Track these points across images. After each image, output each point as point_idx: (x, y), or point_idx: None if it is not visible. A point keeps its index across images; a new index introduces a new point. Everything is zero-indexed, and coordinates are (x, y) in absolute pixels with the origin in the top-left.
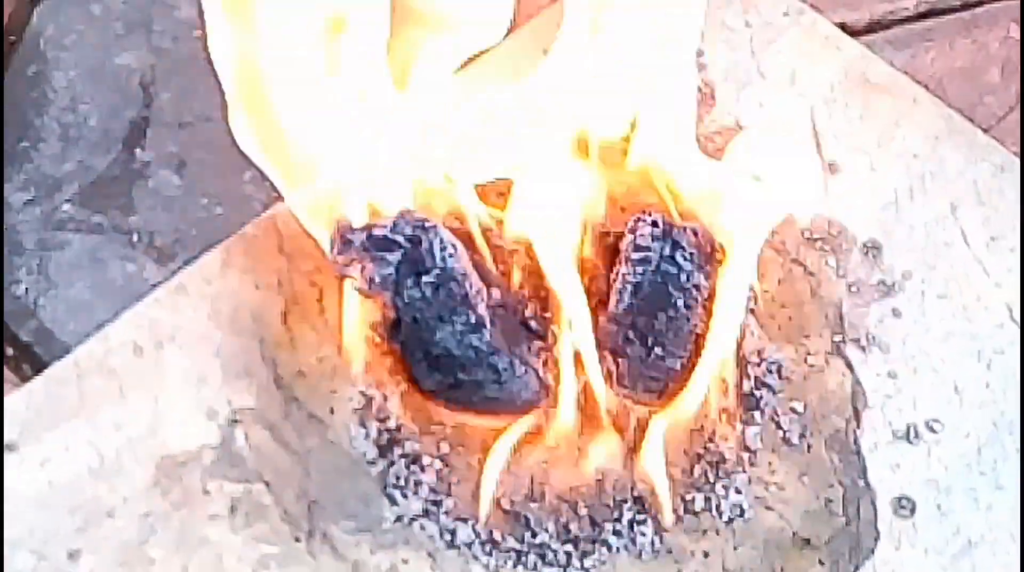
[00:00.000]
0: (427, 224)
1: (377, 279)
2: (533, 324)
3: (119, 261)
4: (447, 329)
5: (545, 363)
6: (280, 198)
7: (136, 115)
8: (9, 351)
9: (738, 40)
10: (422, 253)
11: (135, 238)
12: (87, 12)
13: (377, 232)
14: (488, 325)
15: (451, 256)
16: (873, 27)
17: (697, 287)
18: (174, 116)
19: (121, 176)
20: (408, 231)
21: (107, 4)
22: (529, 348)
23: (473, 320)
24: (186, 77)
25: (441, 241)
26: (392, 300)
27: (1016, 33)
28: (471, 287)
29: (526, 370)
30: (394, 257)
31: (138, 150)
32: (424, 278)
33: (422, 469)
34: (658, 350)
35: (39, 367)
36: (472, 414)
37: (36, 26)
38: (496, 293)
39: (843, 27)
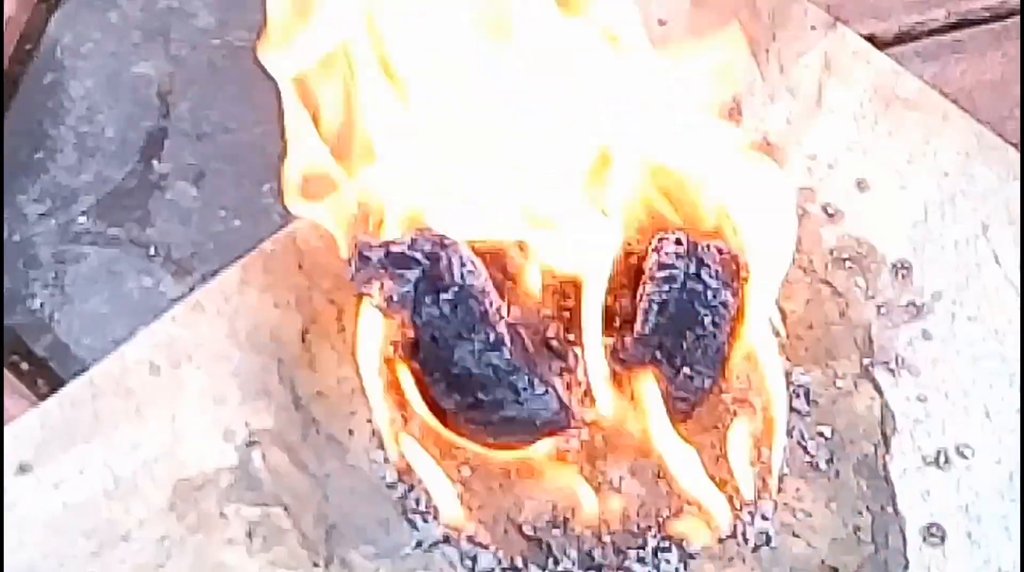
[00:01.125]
0: (446, 241)
1: (395, 297)
2: (554, 344)
3: (136, 275)
4: (466, 347)
5: (568, 385)
6: None
7: (154, 125)
8: (24, 366)
9: (765, 54)
10: (441, 270)
11: (152, 251)
12: (104, 20)
13: (395, 249)
14: (508, 343)
15: (470, 273)
16: (902, 38)
17: (724, 305)
18: (192, 126)
19: (138, 188)
20: (427, 248)
21: (125, 12)
22: (550, 368)
23: (492, 338)
24: (205, 86)
25: (460, 258)
26: (410, 318)
27: None
28: (491, 305)
29: (546, 390)
30: (413, 274)
31: (155, 161)
32: (442, 295)
33: None
34: (686, 369)
35: (54, 383)
36: (491, 438)
37: (52, 34)
38: (516, 311)
39: (871, 39)
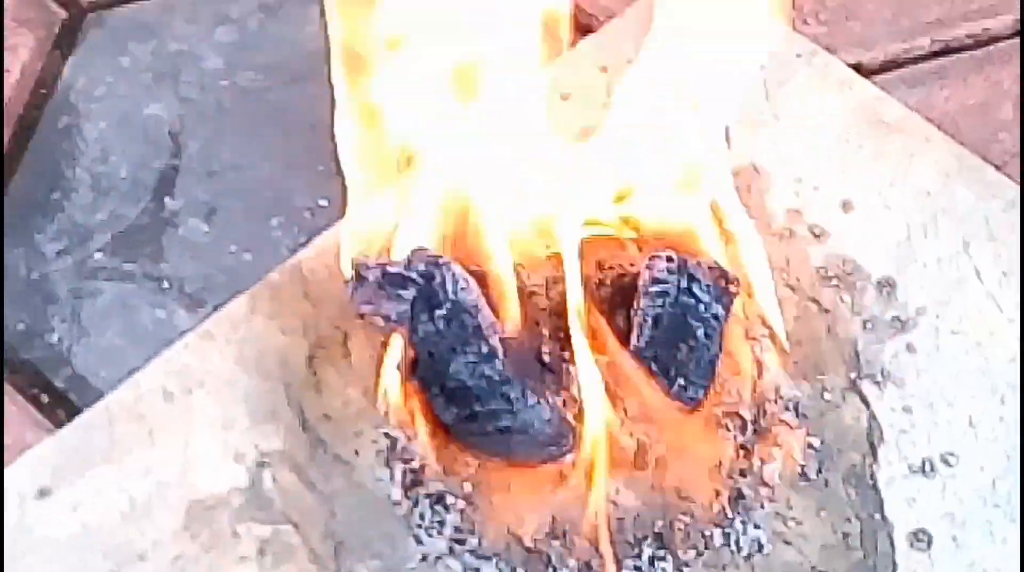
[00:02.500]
0: (440, 261)
1: (393, 316)
2: (547, 359)
3: (150, 308)
4: (460, 360)
5: (564, 402)
6: (305, 243)
7: (165, 164)
8: (44, 398)
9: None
10: (435, 288)
11: (165, 285)
12: (116, 64)
13: (392, 269)
14: (500, 355)
15: (463, 290)
16: (888, 66)
17: (716, 317)
18: (202, 165)
19: (151, 225)
20: (421, 268)
21: (136, 56)
22: (543, 381)
23: (485, 350)
24: (214, 126)
25: (454, 276)
26: (408, 336)
27: None
28: (484, 319)
29: (538, 400)
30: (409, 294)
31: (167, 199)
32: (437, 312)
33: (446, 509)
34: (681, 381)
35: (73, 414)
36: (490, 451)
37: (67, 79)
38: (511, 328)
39: (858, 67)
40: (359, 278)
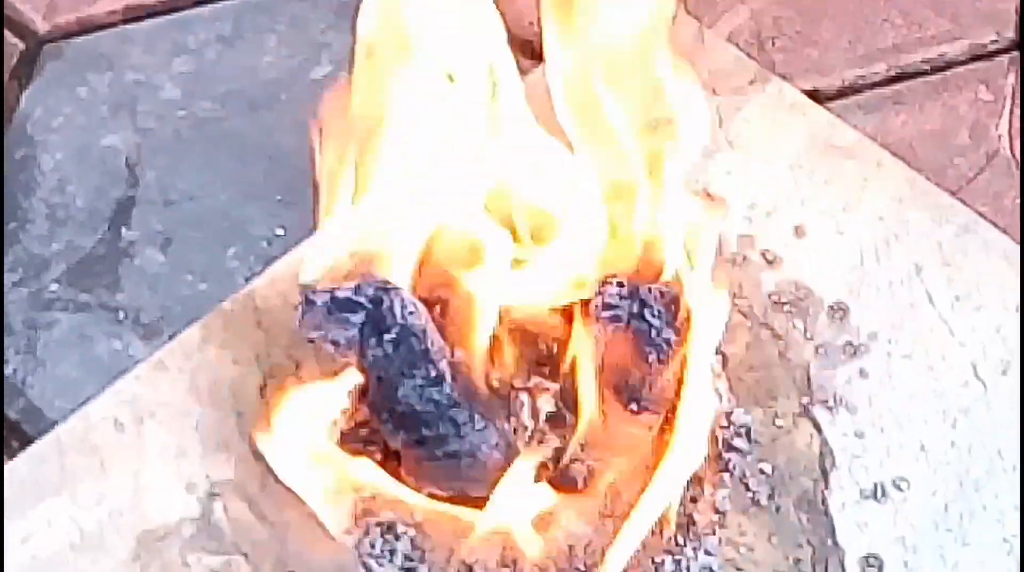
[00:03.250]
0: (389, 286)
1: (342, 341)
2: (496, 384)
3: (106, 338)
4: (409, 384)
5: (515, 430)
6: (258, 273)
7: (122, 194)
8: None
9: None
10: (383, 313)
11: (121, 316)
12: (74, 95)
13: (340, 294)
14: (448, 379)
15: (411, 314)
16: (844, 92)
17: (668, 342)
18: (159, 194)
19: (108, 255)
20: (370, 292)
21: (93, 87)
22: (491, 406)
23: (433, 374)
24: (171, 156)
25: (402, 301)
26: (358, 361)
27: (985, 95)
28: (432, 344)
29: (486, 424)
30: (357, 318)
31: (124, 229)
32: (385, 336)
33: (396, 537)
34: (634, 406)
35: (27, 445)
36: (439, 477)
37: (24, 109)
38: (459, 352)
39: (814, 93)
40: (308, 303)
